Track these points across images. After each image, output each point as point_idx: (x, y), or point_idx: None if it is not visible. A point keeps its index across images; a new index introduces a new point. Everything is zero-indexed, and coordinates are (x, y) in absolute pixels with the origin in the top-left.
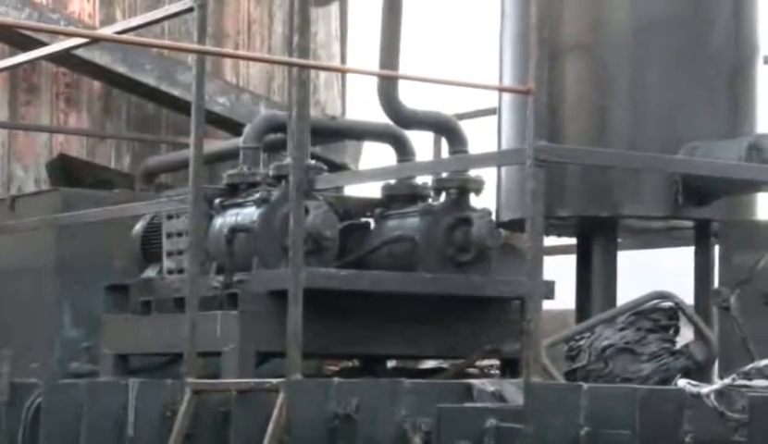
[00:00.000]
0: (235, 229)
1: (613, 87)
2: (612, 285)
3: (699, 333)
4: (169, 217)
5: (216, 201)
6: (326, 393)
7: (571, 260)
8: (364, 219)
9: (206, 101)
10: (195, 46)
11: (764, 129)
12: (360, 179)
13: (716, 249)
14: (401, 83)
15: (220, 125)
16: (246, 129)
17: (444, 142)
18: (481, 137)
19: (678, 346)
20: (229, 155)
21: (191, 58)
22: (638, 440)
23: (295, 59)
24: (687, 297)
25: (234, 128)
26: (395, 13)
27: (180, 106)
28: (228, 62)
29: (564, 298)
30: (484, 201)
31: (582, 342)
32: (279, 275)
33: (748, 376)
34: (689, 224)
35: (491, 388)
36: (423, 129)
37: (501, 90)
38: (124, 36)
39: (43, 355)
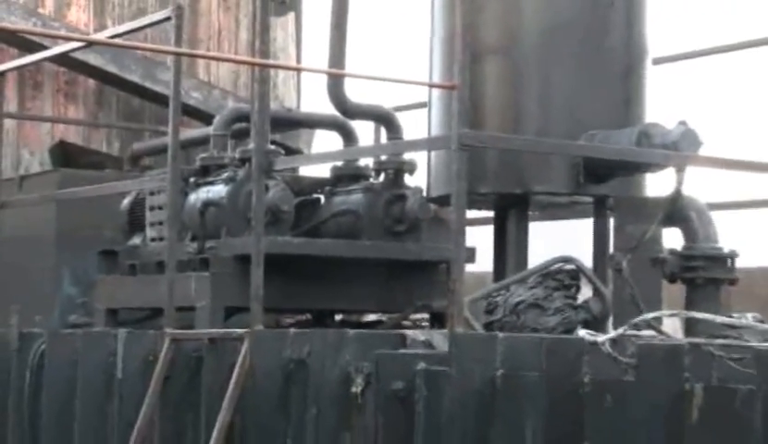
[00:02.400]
0: (207, 204)
1: (525, 83)
2: (523, 251)
3: (596, 291)
4: (151, 194)
5: (191, 179)
6: (283, 342)
7: (489, 230)
8: (315, 196)
9: (183, 95)
10: (173, 49)
11: (652, 119)
12: (312, 162)
13: (611, 220)
14: (346, 80)
15: (194, 116)
16: (216, 120)
17: (383, 130)
18: (414, 126)
19: (579, 302)
20: (202, 141)
21: (169, 60)
22: (545, 381)
23: (257, 60)
24: (587, 261)
25: (206, 118)
26: (341, 22)
27: (161, 100)
28: (201, 63)
29: (484, 262)
30: (416, 180)
31: (498, 299)
32: (244, 242)
33: (637, 326)
34: (589, 199)
35: (422, 338)
36: (365, 119)
37: (431, 86)
38: (114, 41)
39: (45, 310)
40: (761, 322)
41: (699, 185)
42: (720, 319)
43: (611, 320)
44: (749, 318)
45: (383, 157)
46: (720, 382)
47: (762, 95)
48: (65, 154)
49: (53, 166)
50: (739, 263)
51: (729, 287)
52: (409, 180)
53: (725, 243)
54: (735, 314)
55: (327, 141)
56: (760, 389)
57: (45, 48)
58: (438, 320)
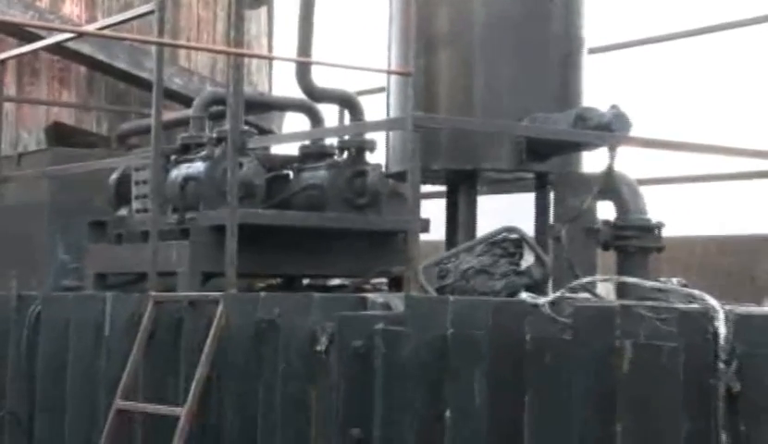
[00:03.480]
0: (186, 179)
1: (474, 70)
2: (472, 222)
3: (537, 258)
4: (137, 170)
5: (172, 157)
6: (255, 304)
7: (442, 203)
8: (285, 172)
9: (165, 81)
10: (156, 39)
11: (588, 104)
12: (282, 141)
13: (551, 194)
14: (313, 68)
15: (176, 99)
16: (195, 103)
17: (346, 113)
18: (374, 108)
19: (522, 268)
20: (182, 122)
21: (153, 49)
22: (491, 339)
23: (233, 49)
24: (529, 231)
25: (186, 101)
26: (308, 14)
27: (146, 85)
28: (182, 51)
29: (437, 231)
30: (376, 157)
31: (449, 265)
32: (220, 214)
33: (573, 290)
34: (531, 175)
35: (381, 300)
36: (330, 102)
37: (389, 72)
38: (103, 32)
39: (41, 274)
40: (685, 286)
41: (630, 162)
42: (648, 283)
43: (550, 284)
44: (673, 283)
45: (346, 137)
46: (647, 339)
47: (684, 81)
48: (59, 134)
49: (48, 145)
50: (665, 232)
51: (656, 254)
52: (369, 158)
53: (653, 215)
54: (661, 279)
55: (295, 122)
56: (682, 346)
57: (42, 38)
58: (395, 284)
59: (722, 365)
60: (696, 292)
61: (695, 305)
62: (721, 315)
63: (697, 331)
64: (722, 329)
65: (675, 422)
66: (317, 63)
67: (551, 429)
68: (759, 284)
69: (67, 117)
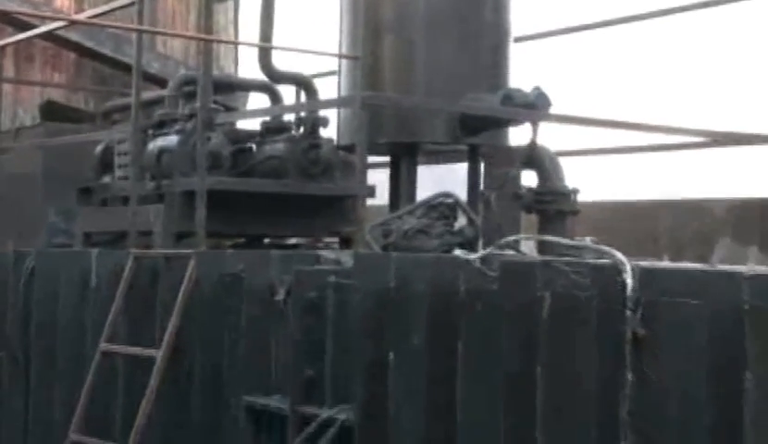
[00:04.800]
0: (162, 150)
1: (415, 55)
2: (413, 188)
3: (469, 220)
4: (119, 142)
5: (150, 131)
6: (222, 260)
7: (386, 172)
8: (248, 144)
9: (144, 65)
10: (137, 27)
11: (514, 85)
12: (246, 117)
13: (482, 165)
14: (274, 53)
15: (153, 81)
16: (170, 84)
17: (302, 93)
18: (327, 89)
19: (456, 228)
20: (159, 101)
21: (134, 36)
22: (428, 291)
23: (203, 36)
24: (463, 196)
25: (162, 83)
26: (270, 6)
27: (127, 69)
28: (159, 38)
29: (382, 197)
30: (329, 132)
31: (393, 226)
32: (191, 181)
33: (501, 247)
34: (465, 148)
35: (332, 256)
36: (288, 83)
37: (340, 57)
38: (91, 21)
39: (35, 233)
40: (597, 243)
41: (550, 136)
42: (565, 241)
43: (480, 243)
44: (587, 241)
45: (302, 114)
46: (564, 290)
47: (596, 66)
48: (51, 111)
49: (41, 121)
50: (580, 198)
51: (572, 217)
52: (323, 132)
53: (570, 182)
54: (577, 238)
55: (258, 101)
56: (594, 296)
57: (36, 27)
58: (345, 243)
59: (629, 313)
60: (606, 249)
61: (606, 260)
62: (628, 269)
63: (607, 283)
64: (629, 281)
65: (588, 363)
66: (277, 48)
67: (480, 369)
68: (661, 243)
69: (58, 97)
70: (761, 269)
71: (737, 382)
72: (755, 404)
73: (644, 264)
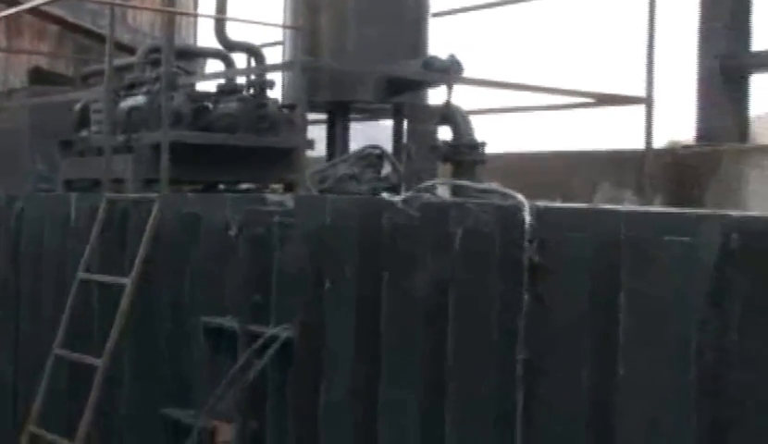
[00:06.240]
0: (132, 109)
1: (348, 27)
2: (346, 141)
3: (394, 168)
4: (95, 102)
5: (121, 92)
6: (183, 202)
7: (323, 127)
8: (206, 103)
9: (116, 36)
10: (111, 2)
11: (432, 53)
12: (204, 80)
13: (405, 121)
14: (228, 24)
15: (125, 50)
16: (138, 52)
17: (252, 59)
18: (273, 56)
19: (382, 175)
20: (129, 67)
21: (107, 10)
22: (358, 228)
23: (167, 8)
24: (388, 148)
25: (132, 51)
26: None
27: (102, 39)
28: (129, 13)
29: (320, 149)
30: (275, 93)
31: (328, 173)
32: (156, 135)
33: (420, 191)
34: (390, 107)
35: (277, 199)
36: (240, 51)
37: (284, 27)
38: None
39: (23, 180)
40: (501, 187)
41: (463, 97)
42: (474, 185)
43: (403, 187)
44: (493, 185)
45: (252, 77)
46: (473, 226)
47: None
48: (37, 76)
49: (29, 84)
50: (488, 150)
51: (481, 165)
52: (269, 93)
53: (479, 136)
54: (484, 183)
55: (214, 66)
56: (498, 231)
57: (23, 2)
58: (288, 188)
59: (526, 244)
60: (509, 192)
61: (508, 201)
62: (526, 208)
63: (509, 220)
64: (527, 218)
65: (493, 285)
66: (231, 19)
67: (402, 294)
68: (555, 188)
69: (43, 64)
70: (635, 208)
71: (613, 300)
72: (627, 317)
73: (540, 204)
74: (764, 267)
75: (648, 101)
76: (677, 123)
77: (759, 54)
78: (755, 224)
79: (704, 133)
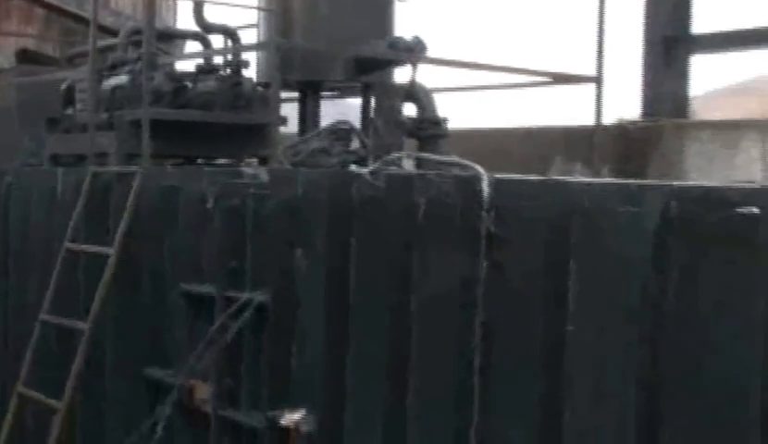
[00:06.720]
0: (115, 87)
1: (319, 10)
2: (317, 118)
3: (362, 142)
4: (80, 81)
5: (105, 72)
6: (163, 175)
7: (296, 105)
8: (185, 82)
9: (100, 19)
10: None
11: (398, 34)
12: (183, 59)
13: (372, 98)
14: (206, 7)
15: (108, 32)
16: (121, 33)
17: (229, 41)
18: (250, 37)
19: (351, 149)
20: (112, 48)
21: None
22: (328, 199)
23: None
24: (357, 123)
25: (115, 33)
26: None
27: (87, 22)
28: None
29: (292, 125)
30: (250, 72)
31: (300, 147)
32: (138, 112)
33: (386, 163)
34: (359, 85)
35: (251, 172)
36: (217, 33)
37: (259, 9)
38: None
39: (12, 156)
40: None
41: (426, 75)
42: (437, 158)
43: (370, 160)
44: (454, 158)
45: (228, 57)
46: (436, 197)
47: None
48: (25, 57)
49: (17, 64)
50: (450, 125)
51: (443, 140)
52: (245, 72)
53: (442, 113)
54: (446, 156)
55: (192, 47)
56: (458, 201)
57: None
58: (263, 162)
59: (484, 214)
60: (469, 163)
61: (468, 173)
62: (485, 178)
63: (468, 191)
64: (485, 188)
65: (453, 253)
66: (209, 1)
67: (369, 261)
68: (512, 161)
69: (31, 46)
70: (584, 180)
71: (564, 265)
72: (576, 282)
73: (497, 176)
74: (700, 232)
75: (598, 80)
76: (625, 101)
77: (699, 36)
78: (692, 192)
79: (648, 110)
